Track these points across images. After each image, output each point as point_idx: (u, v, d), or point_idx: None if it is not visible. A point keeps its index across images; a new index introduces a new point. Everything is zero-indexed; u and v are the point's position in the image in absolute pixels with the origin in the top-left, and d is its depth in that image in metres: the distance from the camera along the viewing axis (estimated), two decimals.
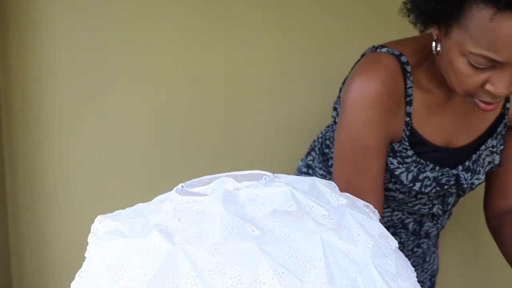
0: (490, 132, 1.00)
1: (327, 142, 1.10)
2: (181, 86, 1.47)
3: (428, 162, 0.96)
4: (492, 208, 1.10)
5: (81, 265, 0.55)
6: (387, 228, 1.07)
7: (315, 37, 1.45)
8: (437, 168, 0.97)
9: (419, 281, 1.14)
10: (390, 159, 0.96)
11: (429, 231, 1.11)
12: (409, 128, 0.93)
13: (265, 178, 0.57)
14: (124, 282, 0.47)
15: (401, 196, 1.01)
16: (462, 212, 1.54)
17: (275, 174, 0.59)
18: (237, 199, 0.52)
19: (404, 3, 0.88)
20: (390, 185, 1.00)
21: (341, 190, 0.91)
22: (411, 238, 1.11)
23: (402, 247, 1.10)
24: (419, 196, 1.02)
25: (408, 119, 0.92)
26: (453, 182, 0.98)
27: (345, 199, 0.56)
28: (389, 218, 1.07)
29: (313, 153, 1.16)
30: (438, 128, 0.96)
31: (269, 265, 0.45)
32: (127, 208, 0.59)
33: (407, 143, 0.94)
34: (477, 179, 1.00)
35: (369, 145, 0.91)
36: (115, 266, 0.49)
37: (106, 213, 0.59)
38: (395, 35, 1.03)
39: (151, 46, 1.45)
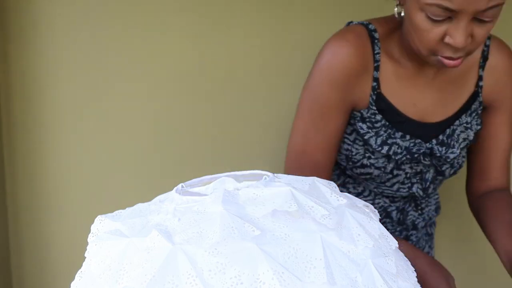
0: (465, 109, 1.02)
1: None
2: (181, 86, 1.47)
3: (397, 130, 0.99)
4: (473, 190, 1.12)
5: (81, 265, 0.55)
6: None
7: (315, 36, 1.45)
8: (408, 137, 0.99)
9: None
10: (360, 124, 0.99)
11: (416, 222, 1.11)
12: (375, 93, 0.96)
13: (265, 178, 0.57)
14: (124, 282, 0.47)
15: (376, 172, 1.01)
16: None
17: (275, 174, 0.59)
18: (237, 199, 0.52)
19: None
20: (365, 161, 1.01)
21: (297, 143, 0.97)
22: (398, 229, 1.11)
23: None
24: (395, 172, 1.02)
25: (375, 83, 0.96)
26: (424, 150, 1.00)
27: (345, 199, 0.56)
28: None
29: None
30: (410, 102, 0.98)
31: (269, 265, 0.45)
32: (127, 208, 0.59)
33: (374, 108, 0.97)
34: (452, 152, 1.01)
35: (328, 104, 0.95)
36: (115, 266, 0.49)
37: (106, 213, 0.59)
38: None
39: (151, 46, 1.45)
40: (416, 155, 1.00)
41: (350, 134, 1.02)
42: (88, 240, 0.55)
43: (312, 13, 1.45)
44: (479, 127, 1.04)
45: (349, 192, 1.08)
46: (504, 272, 1.58)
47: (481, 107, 1.03)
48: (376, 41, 0.95)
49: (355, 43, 0.94)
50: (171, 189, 0.61)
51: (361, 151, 1.01)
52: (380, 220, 1.09)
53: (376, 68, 0.96)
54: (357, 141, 1.01)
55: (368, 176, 1.03)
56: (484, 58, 1.00)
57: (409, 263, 0.58)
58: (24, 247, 1.50)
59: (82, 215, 1.47)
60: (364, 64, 0.95)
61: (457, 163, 1.05)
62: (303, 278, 0.46)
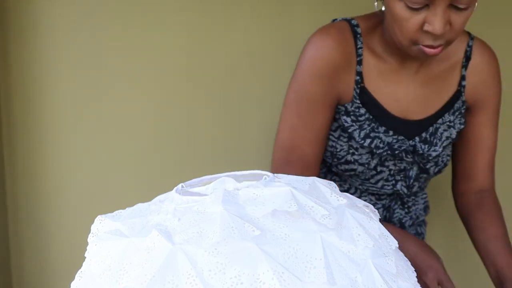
0: (448, 108, 1.03)
1: None
2: (181, 86, 1.47)
3: (381, 124, 1.00)
4: (458, 190, 1.13)
5: (81, 265, 0.55)
6: None
7: None
8: (391, 132, 1.00)
9: None
10: (344, 117, 1.00)
11: (403, 221, 1.11)
12: (359, 86, 0.99)
13: (265, 178, 0.57)
14: (124, 282, 0.47)
15: (360, 168, 1.02)
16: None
17: (275, 174, 0.59)
18: (237, 199, 0.52)
19: None
20: (349, 157, 1.02)
21: (284, 138, 0.99)
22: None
23: None
24: (379, 169, 1.03)
25: (358, 77, 0.98)
26: (406, 147, 1.01)
27: (345, 199, 0.56)
28: None
29: None
30: (392, 98, 1.00)
31: (269, 265, 0.45)
32: (127, 208, 0.59)
33: (358, 101, 0.99)
34: (434, 150, 1.02)
35: (314, 98, 0.98)
36: (115, 266, 0.49)
37: (106, 213, 0.59)
38: None
39: (151, 46, 1.45)
40: (397, 152, 1.01)
41: (334, 131, 1.03)
42: (88, 240, 0.55)
43: (313, 13, 1.45)
44: (462, 126, 1.05)
45: None
46: None
47: (464, 107, 1.04)
48: (358, 35, 0.98)
49: (338, 38, 0.96)
50: (171, 189, 0.61)
51: (345, 148, 1.02)
52: None
53: (359, 62, 0.98)
54: (341, 138, 1.03)
55: (352, 173, 1.04)
56: (467, 58, 1.02)
57: (409, 263, 0.58)
58: (24, 247, 1.50)
59: (82, 215, 1.47)
60: (347, 58, 0.97)
61: (442, 161, 1.05)
62: (303, 278, 0.46)
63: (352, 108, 1.00)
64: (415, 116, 1.02)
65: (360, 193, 1.09)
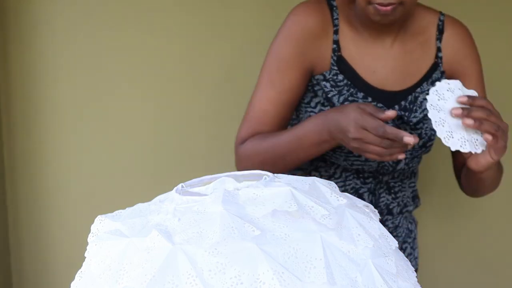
0: (426, 79, 1.06)
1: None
2: (180, 86, 1.47)
3: (359, 90, 1.03)
4: (458, 167, 1.14)
5: (81, 265, 0.55)
6: None
7: None
8: (370, 99, 1.03)
9: None
10: (324, 83, 1.04)
11: (390, 207, 1.11)
12: (336, 54, 1.03)
13: (265, 178, 0.57)
14: (124, 282, 0.47)
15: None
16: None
17: (275, 174, 0.59)
18: (237, 199, 0.52)
19: None
20: None
21: (251, 98, 1.05)
22: None
23: None
24: None
25: (335, 46, 1.03)
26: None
27: (345, 199, 0.56)
28: (342, 189, 1.08)
29: None
30: (369, 70, 1.04)
31: (269, 265, 0.45)
32: (127, 208, 0.59)
33: (336, 68, 1.03)
34: (415, 117, 1.04)
35: (284, 59, 1.03)
36: (115, 266, 0.49)
37: (106, 213, 0.59)
38: None
39: (150, 46, 1.45)
40: None
41: (314, 107, 1.06)
42: (88, 240, 0.55)
43: None
44: None
45: (321, 176, 1.10)
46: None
47: (444, 77, 1.07)
48: (334, 8, 1.04)
49: (315, 8, 1.04)
50: (171, 189, 0.61)
51: None
52: None
53: (336, 32, 1.04)
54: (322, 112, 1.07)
55: (337, 149, 1.05)
56: (440, 31, 1.07)
57: (409, 263, 0.58)
58: (24, 247, 1.50)
59: (82, 215, 1.47)
60: (323, 27, 1.03)
61: (425, 134, 1.05)
62: (303, 278, 0.46)
63: (331, 76, 1.03)
64: (393, 87, 1.05)
65: (345, 177, 1.09)
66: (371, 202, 1.10)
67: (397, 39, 1.05)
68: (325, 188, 0.57)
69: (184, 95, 1.46)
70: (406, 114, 1.04)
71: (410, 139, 0.85)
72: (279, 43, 1.05)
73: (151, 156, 1.48)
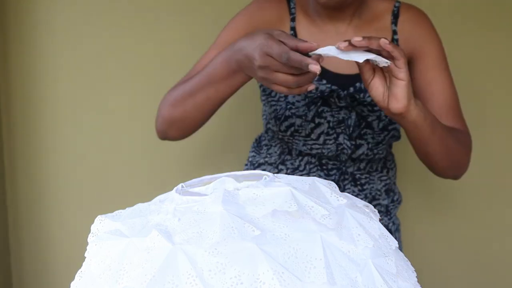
0: None
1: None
2: None
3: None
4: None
5: (81, 265, 0.55)
6: None
7: None
8: (324, 81, 1.06)
9: None
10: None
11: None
12: None
13: (265, 178, 0.57)
14: (124, 282, 0.47)
15: (299, 121, 1.06)
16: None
17: (275, 174, 0.59)
18: (237, 199, 0.52)
19: None
20: (287, 112, 1.06)
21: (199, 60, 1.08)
22: None
23: None
24: (317, 121, 1.06)
25: (292, 32, 1.08)
26: (338, 94, 1.05)
27: (345, 199, 0.56)
28: None
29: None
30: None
31: (269, 265, 0.45)
32: (127, 208, 0.59)
33: None
34: (369, 96, 1.04)
35: (234, 25, 1.08)
36: (115, 266, 0.49)
37: (106, 213, 0.59)
38: None
39: (150, 46, 1.45)
40: (325, 93, 1.05)
41: (274, 96, 1.09)
42: (88, 240, 0.55)
43: None
44: None
45: (287, 169, 1.12)
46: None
47: None
48: None
49: (271, 1, 1.09)
50: (171, 189, 0.61)
51: (284, 105, 1.07)
52: None
53: (293, 19, 1.08)
54: (280, 99, 1.08)
55: (292, 129, 1.07)
56: (395, 16, 1.10)
57: (409, 263, 0.58)
58: (24, 247, 1.50)
59: (82, 215, 1.47)
60: (280, 14, 1.08)
61: (384, 116, 1.06)
62: (303, 278, 0.46)
63: None
64: (349, 71, 1.06)
65: (309, 170, 1.11)
66: None
67: (351, 25, 1.08)
68: (325, 188, 0.57)
69: None
70: (361, 95, 1.05)
71: (316, 67, 0.79)
72: (234, 18, 1.09)
73: (151, 156, 1.48)
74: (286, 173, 1.12)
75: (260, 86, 1.15)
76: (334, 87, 1.05)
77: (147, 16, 1.44)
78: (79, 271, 0.54)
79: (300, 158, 1.11)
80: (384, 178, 1.15)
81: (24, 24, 1.42)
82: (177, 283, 0.45)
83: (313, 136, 1.07)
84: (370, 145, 1.08)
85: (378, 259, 0.51)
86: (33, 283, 1.52)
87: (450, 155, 1.01)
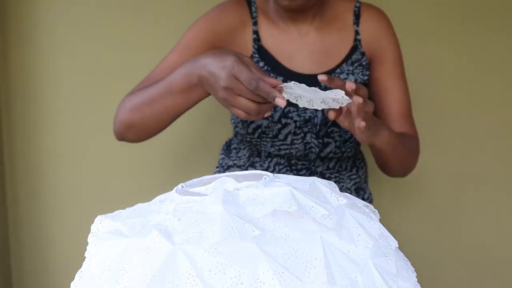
0: (346, 60, 1.10)
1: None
2: None
3: (279, 75, 1.07)
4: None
5: (81, 265, 0.55)
6: None
7: None
8: (289, 82, 1.05)
9: None
10: None
11: None
12: (257, 44, 1.09)
13: (265, 178, 0.57)
14: (124, 282, 0.47)
15: (265, 122, 1.07)
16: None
17: (275, 174, 0.59)
18: (237, 199, 0.52)
19: None
20: None
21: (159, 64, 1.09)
22: None
23: None
24: (283, 121, 1.06)
25: (255, 36, 1.09)
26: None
27: (345, 199, 0.56)
28: None
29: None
30: (286, 56, 1.09)
31: (269, 265, 0.45)
32: (127, 208, 0.59)
33: (257, 56, 1.08)
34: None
35: (198, 37, 1.08)
36: (115, 266, 0.49)
37: (106, 213, 0.59)
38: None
39: (150, 46, 1.45)
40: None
41: None
42: (88, 240, 0.55)
43: None
44: (365, 77, 1.10)
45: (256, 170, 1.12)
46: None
47: (365, 59, 1.10)
48: (252, 3, 1.11)
49: (233, 2, 1.10)
50: (171, 189, 0.61)
51: None
52: None
53: (255, 23, 1.09)
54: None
55: (260, 131, 1.07)
56: (356, 16, 1.11)
57: (409, 263, 0.58)
58: (24, 247, 1.50)
59: (82, 215, 1.47)
60: (242, 18, 1.09)
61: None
62: (303, 278, 0.46)
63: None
64: (313, 70, 1.08)
65: (278, 170, 1.11)
66: None
67: (313, 26, 1.09)
68: (325, 188, 0.57)
69: None
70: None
71: (282, 101, 0.79)
72: (196, 22, 1.09)
73: (151, 156, 1.48)
74: None
75: None
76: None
77: (148, 16, 1.44)
78: (79, 271, 0.54)
79: (269, 159, 1.12)
80: (354, 177, 1.16)
81: (24, 24, 1.42)
82: (177, 283, 0.45)
83: (281, 136, 1.08)
84: (337, 143, 1.09)
85: (378, 259, 0.51)
86: (33, 283, 1.52)
87: (404, 163, 1.08)
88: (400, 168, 1.09)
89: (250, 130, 1.09)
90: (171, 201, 0.56)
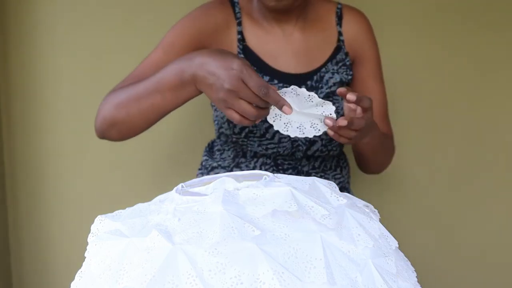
0: (330, 60, 1.12)
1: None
2: None
3: (265, 75, 1.08)
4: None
5: (81, 265, 0.55)
6: None
7: None
8: (276, 81, 1.07)
9: None
10: None
11: None
12: (242, 44, 1.09)
13: (265, 178, 0.57)
14: (124, 282, 0.47)
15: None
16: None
17: (275, 174, 0.59)
18: (237, 199, 0.52)
19: None
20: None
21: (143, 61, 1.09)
22: None
23: None
24: None
25: (239, 36, 1.09)
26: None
27: (345, 199, 0.56)
28: None
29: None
30: (272, 56, 1.10)
31: (269, 265, 0.45)
32: (127, 208, 0.59)
33: (243, 56, 1.09)
34: (321, 92, 1.08)
35: (170, 41, 1.08)
36: (115, 266, 0.49)
37: (106, 213, 0.59)
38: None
39: (150, 46, 1.45)
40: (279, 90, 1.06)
41: None
42: (88, 240, 0.55)
43: None
44: (349, 77, 1.12)
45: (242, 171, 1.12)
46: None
47: (349, 59, 1.13)
48: (236, 4, 1.11)
49: (217, 2, 1.11)
50: (171, 189, 0.61)
51: None
52: None
53: (239, 24, 1.09)
54: None
55: (247, 130, 1.07)
56: (339, 17, 1.13)
57: (409, 263, 0.58)
58: (24, 247, 1.50)
59: (82, 215, 1.47)
60: (226, 19, 1.09)
61: (336, 112, 1.07)
62: (303, 278, 0.46)
63: None
64: (298, 70, 1.09)
65: (264, 170, 1.10)
66: None
67: (297, 26, 1.11)
68: (325, 188, 0.57)
69: None
70: (313, 92, 1.06)
71: (289, 110, 0.81)
72: (179, 22, 1.09)
73: (151, 156, 1.48)
74: None
75: None
76: (286, 86, 1.06)
77: (148, 16, 1.44)
78: (79, 271, 0.54)
79: (255, 159, 1.12)
80: (338, 176, 1.17)
81: (24, 24, 1.42)
82: (177, 283, 0.45)
83: (268, 135, 1.08)
84: (324, 141, 1.10)
85: (378, 259, 0.51)
86: (33, 283, 1.52)
87: (381, 163, 1.15)
88: (378, 167, 1.16)
89: (236, 130, 1.08)
90: (171, 201, 0.56)
